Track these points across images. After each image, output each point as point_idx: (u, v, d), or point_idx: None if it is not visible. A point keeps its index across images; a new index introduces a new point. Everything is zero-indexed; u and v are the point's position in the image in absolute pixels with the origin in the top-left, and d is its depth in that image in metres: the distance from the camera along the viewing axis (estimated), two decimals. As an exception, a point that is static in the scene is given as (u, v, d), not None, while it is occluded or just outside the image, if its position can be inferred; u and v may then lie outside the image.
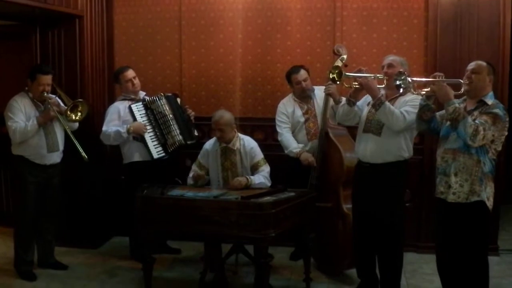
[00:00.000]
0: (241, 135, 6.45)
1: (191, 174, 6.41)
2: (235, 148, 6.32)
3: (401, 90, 5.01)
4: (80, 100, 6.45)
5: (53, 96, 6.42)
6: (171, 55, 7.70)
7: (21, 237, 6.48)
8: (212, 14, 7.53)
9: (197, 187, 6.07)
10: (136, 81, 6.94)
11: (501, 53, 6.76)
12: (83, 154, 6.24)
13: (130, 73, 6.92)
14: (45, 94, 6.29)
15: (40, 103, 6.37)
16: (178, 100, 7.15)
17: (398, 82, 4.96)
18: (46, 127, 6.31)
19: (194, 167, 6.47)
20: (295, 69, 6.75)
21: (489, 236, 5.13)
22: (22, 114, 6.22)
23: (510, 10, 6.77)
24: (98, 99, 7.56)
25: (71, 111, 6.32)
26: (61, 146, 6.49)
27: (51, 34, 7.29)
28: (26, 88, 6.36)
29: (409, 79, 4.97)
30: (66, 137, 6.45)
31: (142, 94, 7.06)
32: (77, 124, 6.53)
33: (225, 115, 6.26)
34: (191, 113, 7.12)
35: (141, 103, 6.88)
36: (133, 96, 6.94)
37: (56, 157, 6.47)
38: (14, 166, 6.47)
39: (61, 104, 6.45)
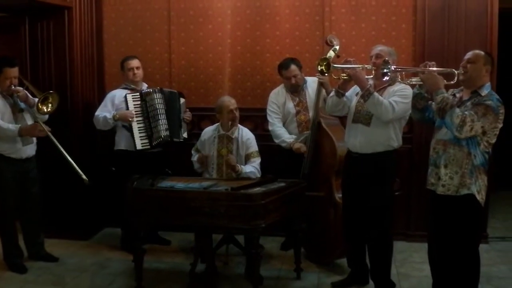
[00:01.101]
0: (240, 126, 6.52)
1: (195, 158, 6.52)
2: (233, 137, 6.39)
3: (386, 78, 5.01)
4: (50, 92, 6.36)
5: (21, 88, 6.33)
6: (160, 46, 7.69)
7: (4, 232, 6.48)
8: (201, 4, 7.52)
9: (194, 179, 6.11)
10: (138, 71, 6.97)
11: (489, 42, 6.76)
12: (84, 177, 6.15)
13: (134, 63, 6.96)
14: (13, 87, 6.23)
15: (9, 96, 6.31)
16: (182, 100, 7.17)
17: (385, 71, 4.95)
18: (18, 120, 6.27)
19: (193, 152, 6.62)
20: (285, 64, 6.72)
21: (480, 227, 5.09)
22: None
23: (497, -1, 6.80)
24: (88, 90, 7.55)
25: (42, 103, 6.26)
26: (34, 138, 6.45)
27: (40, 26, 7.26)
28: None
29: (393, 67, 4.97)
30: (53, 123, 6.44)
31: (144, 86, 7.10)
32: (47, 116, 6.47)
33: (232, 98, 6.46)
34: (188, 117, 7.17)
35: (137, 93, 6.89)
36: (133, 86, 6.97)
37: (31, 150, 6.43)
38: None
39: (29, 96, 6.39)
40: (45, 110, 6.29)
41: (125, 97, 6.84)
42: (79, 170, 6.15)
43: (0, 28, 8.02)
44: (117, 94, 6.93)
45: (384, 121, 5.33)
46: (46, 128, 6.23)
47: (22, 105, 6.33)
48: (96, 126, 6.93)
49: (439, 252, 4.98)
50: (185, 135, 7.11)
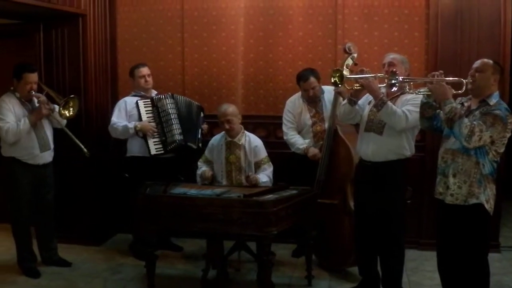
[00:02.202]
0: (247, 132, 6.54)
1: (199, 171, 6.50)
2: (240, 143, 6.41)
3: (394, 89, 5.01)
4: (71, 96, 6.43)
5: (41, 94, 6.37)
6: (174, 53, 7.73)
7: (19, 237, 6.51)
8: (214, 12, 7.56)
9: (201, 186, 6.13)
10: (149, 79, 7.01)
11: (501, 51, 6.77)
12: (84, 150, 6.29)
13: (145, 70, 6.99)
14: (33, 92, 6.29)
15: (27, 102, 6.37)
16: (202, 113, 7.22)
17: (392, 82, 4.96)
18: (36, 127, 6.30)
19: (199, 163, 6.59)
20: (304, 76, 6.67)
21: (489, 236, 5.06)
22: (12, 114, 6.19)
23: (510, 7, 6.77)
24: (101, 97, 7.60)
25: (64, 108, 6.33)
26: (51, 144, 6.51)
27: (55, 33, 7.32)
28: (12, 88, 6.35)
29: (400, 78, 4.97)
30: (59, 134, 6.50)
31: (153, 93, 7.12)
32: (65, 121, 6.53)
33: (230, 106, 6.43)
34: (205, 129, 7.21)
35: (148, 100, 6.92)
36: (143, 93, 6.99)
37: (48, 156, 6.48)
38: (5, 168, 6.41)
39: (49, 102, 6.41)
40: (67, 114, 6.38)
41: (137, 103, 6.86)
42: (80, 144, 6.31)
43: (15, 35, 8.03)
44: (128, 101, 6.95)
45: (398, 130, 5.33)
46: (50, 106, 6.34)
47: None
48: (112, 134, 6.95)
49: (449, 261, 4.98)
50: (199, 143, 7.11)
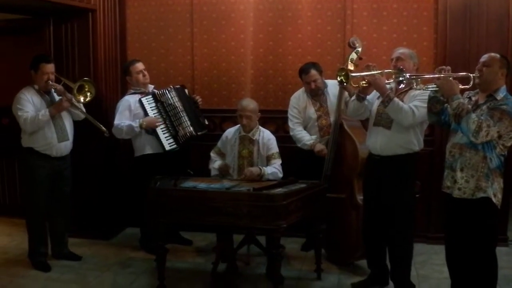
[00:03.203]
0: (261, 128, 6.57)
1: (216, 165, 6.52)
2: (255, 139, 6.44)
3: (402, 86, 5.04)
4: (85, 79, 6.48)
5: (58, 84, 6.42)
6: (183, 48, 7.75)
7: (32, 229, 6.56)
8: (223, 7, 7.58)
9: (216, 179, 6.18)
10: (146, 73, 7.01)
11: (510, 45, 6.76)
12: (103, 128, 6.38)
13: (141, 65, 6.98)
14: (50, 82, 6.35)
15: (46, 94, 6.43)
16: (186, 91, 7.20)
17: (400, 79, 4.99)
18: (54, 117, 6.35)
19: (213, 155, 6.64)
20: (305, 69, 6.72)
21: (497, 229, 5.07)
22: (30, 105, 6.26)
23: (519, 2, 6.79)
24: (111, 92, 7.63)
25: (79, 92, 6.37)
26: (70, 136, 6.55)
27: (64, 28, 7.35)
28: (31, 82, 6.41)
29: (407, 75, 5.00)
30: (77, 124, 6.58)
31: (151, 87, 7.12)
32: (82, 115, 6.58)
33: (252, 103, 6.46)
34: (199, 100, 7.23)
35: (151, 96, 6.93)
36: (143, 89, 6.99)
37: (65, 148, 6.51)
38: (23, 159, 6.50)
39: (66, 92, 6.46)
40: (82, 99, 6.42)
41: (140, 101, 6.88)
42: (98, 124, 6.48)
43: (25, 31, 8.08)
44: (131, 100, 6.91)
45: (405, 126, 5.34)
46: (69, 96, 6.38)
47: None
48: (116, 135, 6.91)
49: (457, 254, 4.99)
50: (205, 122, 7.18)
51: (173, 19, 7.74)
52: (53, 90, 6.42)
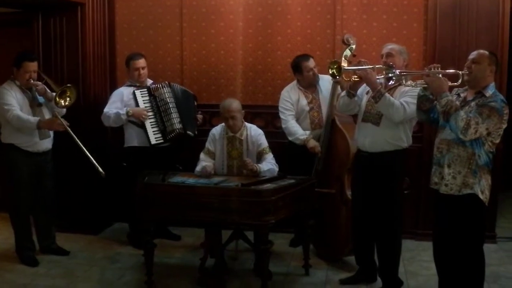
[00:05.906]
0: (247, 124, 6.47)
1: (198, 168, 6.30)
2: (243, 138, 6.34)
3: (392, 82, 5.05)
4: (68, 85, 6.42)
5: (39, 82, 6.39)
6: (172, 42, 7.73)
7: (18, 225, 6.54)
8: (213, 2, 7.55)
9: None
10: (144, 71, 6.98)
11: (500, 42, 6.76)
12: (100, 170, 6.20)
13: (140, 63, 6.96)
14: (31, 81, 6.30)
15: (27, 90, 6.39)
16: (195, 102, 7.24)
17: (389, 75, 4.99)
18: (36, 114, 6.33)
19: (202, 156, 6.43)
20: (305, 57, 6.73)
21: (484, 226, 5.06)
22: (14, 100, 6.22)
23: (509, -2, 6.80)
24: (100, 86, 7.61)
25: (60, 97, 6.31)
26: (51, 133, 6.53)
27: (53, 21, 7.32)
28: (12, 76, 6.37)
29: (397, 71, 5.00)
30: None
31: (149, 82, 7.12)
32: (64, 110, 6.53)
33: (234, 102, 6.33)
34: (200, 119, 7.23)
35: (145, 89, 6.93)
36: (138, 84, 6.99)
37: (47, 144, 6.50)
38: (5, 155, 6.44)
39: (48, 90, 6.45)
40: (63, 103, 6.36)
41: (134, 93, 6.88)
42: (96, 163, 6.20)
43: (14, 24, 8.05)
44: (125, 92, 6.94)
45: (396, 121, 5.33)
46: (65, 122, 6.29)
47: (41, 99, 6.43)
48: (105, 123, 6.93)
49: (444, 251, 4.99)
50: (195, 131, 7.11)
51: (162, 13, 7.71)
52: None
